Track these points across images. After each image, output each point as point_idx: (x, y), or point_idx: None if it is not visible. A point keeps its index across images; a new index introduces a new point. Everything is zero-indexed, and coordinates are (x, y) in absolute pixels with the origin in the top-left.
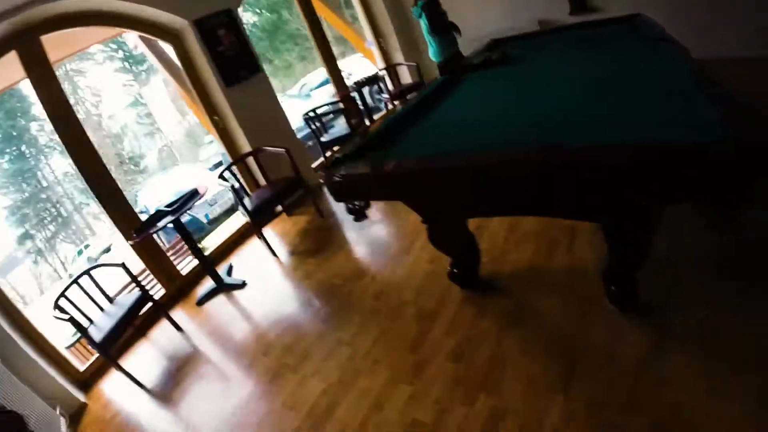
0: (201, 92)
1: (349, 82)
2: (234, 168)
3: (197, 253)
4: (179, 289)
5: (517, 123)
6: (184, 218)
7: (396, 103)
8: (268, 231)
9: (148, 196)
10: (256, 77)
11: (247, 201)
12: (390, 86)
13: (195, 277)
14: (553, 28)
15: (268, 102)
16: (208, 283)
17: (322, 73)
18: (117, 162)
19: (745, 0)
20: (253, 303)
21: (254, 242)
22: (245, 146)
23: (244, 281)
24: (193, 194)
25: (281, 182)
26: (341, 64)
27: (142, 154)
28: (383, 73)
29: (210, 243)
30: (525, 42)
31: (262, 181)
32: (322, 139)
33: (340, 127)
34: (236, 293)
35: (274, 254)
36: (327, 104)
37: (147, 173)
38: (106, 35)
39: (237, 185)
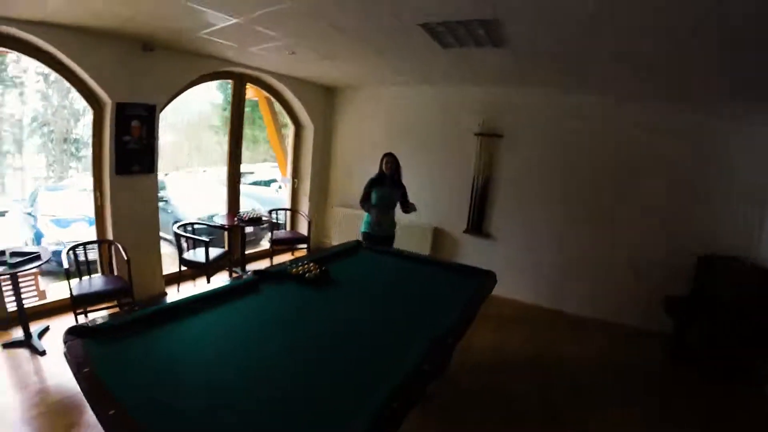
0: (95, 162)
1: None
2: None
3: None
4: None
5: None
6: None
7: (274, 248)
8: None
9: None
10: (147, 177)
11: (77, 283)
12: (283, 228)
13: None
14: (415, 257)
15: (147, 204)
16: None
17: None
18: (61, 139)
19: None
20: (49, 375)
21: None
22: (109, 231)
23: (44, 350)
24: (35, 258)
25: (118, 282)
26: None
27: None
28: (282, 213)
29: (54, 293)
30: (373, 261)
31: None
32: (184, 256)
33: (201, 252)
34: (39, 357)
35: None
36: (207, 224)
37: (81, 161)
38: None
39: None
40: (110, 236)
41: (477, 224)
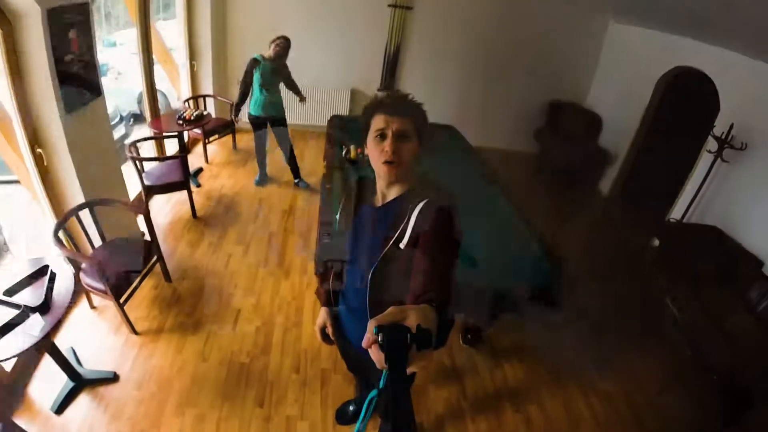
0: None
1: None
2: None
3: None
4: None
5: None
6: None
7: (208, 139)
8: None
9: None
10: (96, 103)
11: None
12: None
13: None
14: None
15: (104, 139)
16: (52, 378)
17: None
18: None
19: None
20: (131, 401)
21: (84, 313)
22: (75, 196)
23: (114, 372)
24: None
25: (131, 247)
26: None
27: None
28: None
29: None
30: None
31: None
32: (146, 181)
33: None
34: (102, 389)
35: (135, 331)
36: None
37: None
38: None
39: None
40: (79, 199)
41: (389, 83)
